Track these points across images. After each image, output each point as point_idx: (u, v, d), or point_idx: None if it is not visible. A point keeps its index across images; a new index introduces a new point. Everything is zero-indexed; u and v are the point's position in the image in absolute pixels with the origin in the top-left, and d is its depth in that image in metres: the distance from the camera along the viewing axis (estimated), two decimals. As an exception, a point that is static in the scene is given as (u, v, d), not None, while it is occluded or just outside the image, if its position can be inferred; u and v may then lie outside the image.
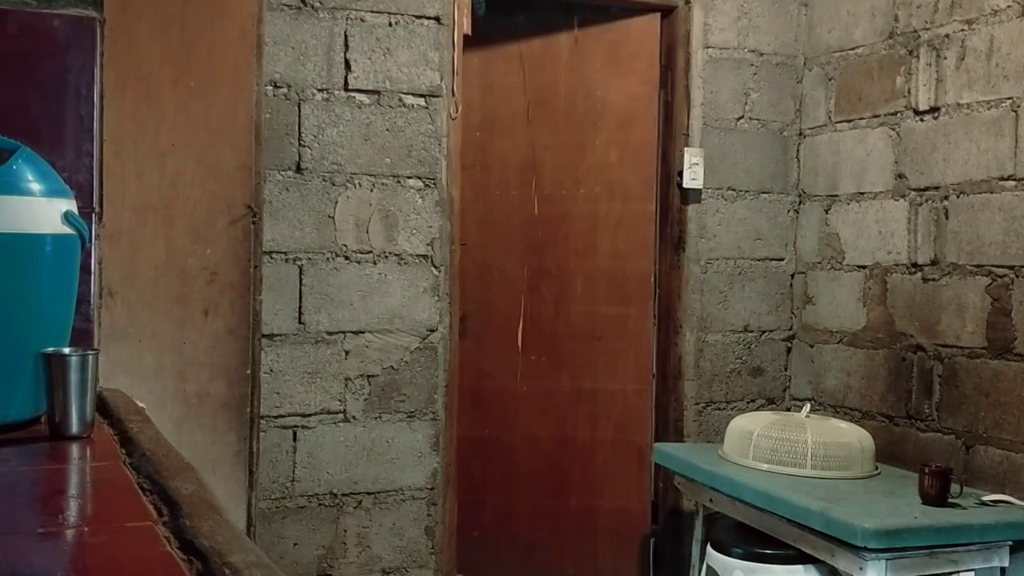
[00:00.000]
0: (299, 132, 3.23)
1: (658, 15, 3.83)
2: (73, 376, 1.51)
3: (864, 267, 3.64)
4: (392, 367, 3.36)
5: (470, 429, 3.84)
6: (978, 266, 3.17)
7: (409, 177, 3.36)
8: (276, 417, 3.22)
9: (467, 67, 3.66)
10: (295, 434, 3.25)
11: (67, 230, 1.62)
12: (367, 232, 3.32)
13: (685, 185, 3.77)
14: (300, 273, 3.24)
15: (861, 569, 2.61)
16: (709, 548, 3.12)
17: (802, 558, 2.85)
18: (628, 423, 3.87)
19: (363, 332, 3.32)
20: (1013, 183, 3.07)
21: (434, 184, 3.39)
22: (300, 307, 3.25)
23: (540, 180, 3.96)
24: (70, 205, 1.64)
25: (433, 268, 3.40)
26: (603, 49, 3.88)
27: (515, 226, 3.99)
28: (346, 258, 3.30)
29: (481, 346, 3.97)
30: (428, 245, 3.39)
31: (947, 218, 3.30)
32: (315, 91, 3.24)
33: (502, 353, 3.98)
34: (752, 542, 2.99)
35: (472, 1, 3.59)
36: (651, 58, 3.83)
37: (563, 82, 3.92)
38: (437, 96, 3.39)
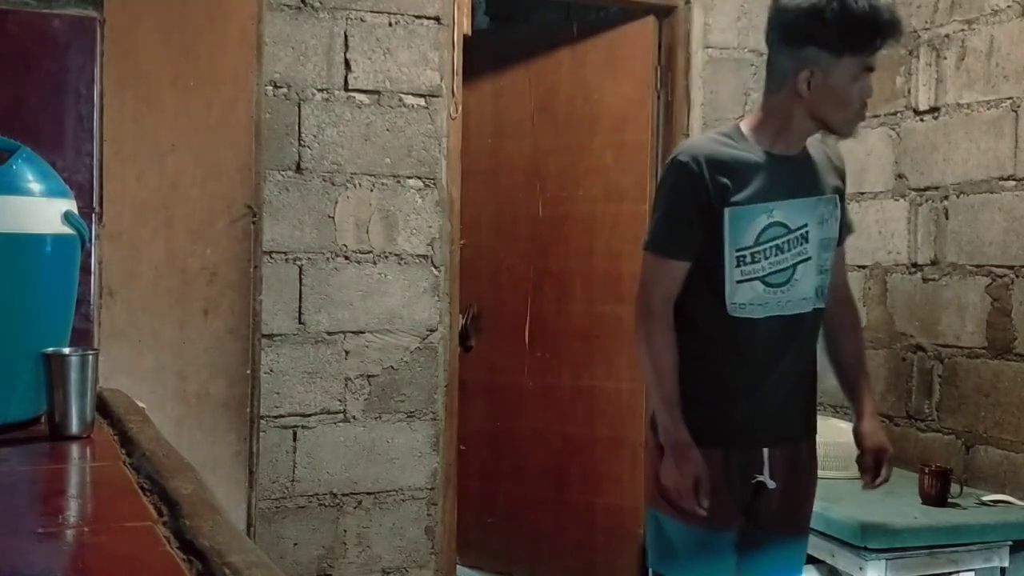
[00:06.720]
0: (299, 132, 3.23)
1: (653, 18, 3.84)
2: (73, 376, 1.51)
3: (864, 267, 3.64)
4: (392, 367, 3.36)
5: (482, 422, 4.07)
6: (978, 266, 3.17)
7: (409, 177, 3.36)
8: (276, 417, 3.22)
9: (478, 75, 3.72)
10: (295, 434, 3.25)
11: (67, 230, 1.62)
12: (367, 232, 3.32)
13: (685, 185, 3.76)
14: (300, 273, 3.24)
15: (861, 569, 2.61)
16: (709, 548, 3.11)
17: (802, 558, 2.85)
18: (623, 421, 3.88)
19: (363, 332, 3.32)
20: (1013, 183, 3.07)
21: (434, 184, 3.39)
22: (300, 307, 3.25)
23: (544, 183, 4.02)
24: (70, 205, 1.64)
25: (433, 268, 3.40)
26: (599, 54, 3.92)
27: (522, 228, 4.08)
28: (346, 258, 3.30)
29: (494, 342, 4.11)
30: (428, 245, 3.39)
31: (947, 218, 3.30)
32: (315, 91, 3.24)
33: (511, 349, 4.09)
34: (752, 542, 2.98)
35: (472, 3, 3.59)
36: (644, 60, 3.85)
37: (563, 88, 3.98)
38: (437, 96, 3.39)
